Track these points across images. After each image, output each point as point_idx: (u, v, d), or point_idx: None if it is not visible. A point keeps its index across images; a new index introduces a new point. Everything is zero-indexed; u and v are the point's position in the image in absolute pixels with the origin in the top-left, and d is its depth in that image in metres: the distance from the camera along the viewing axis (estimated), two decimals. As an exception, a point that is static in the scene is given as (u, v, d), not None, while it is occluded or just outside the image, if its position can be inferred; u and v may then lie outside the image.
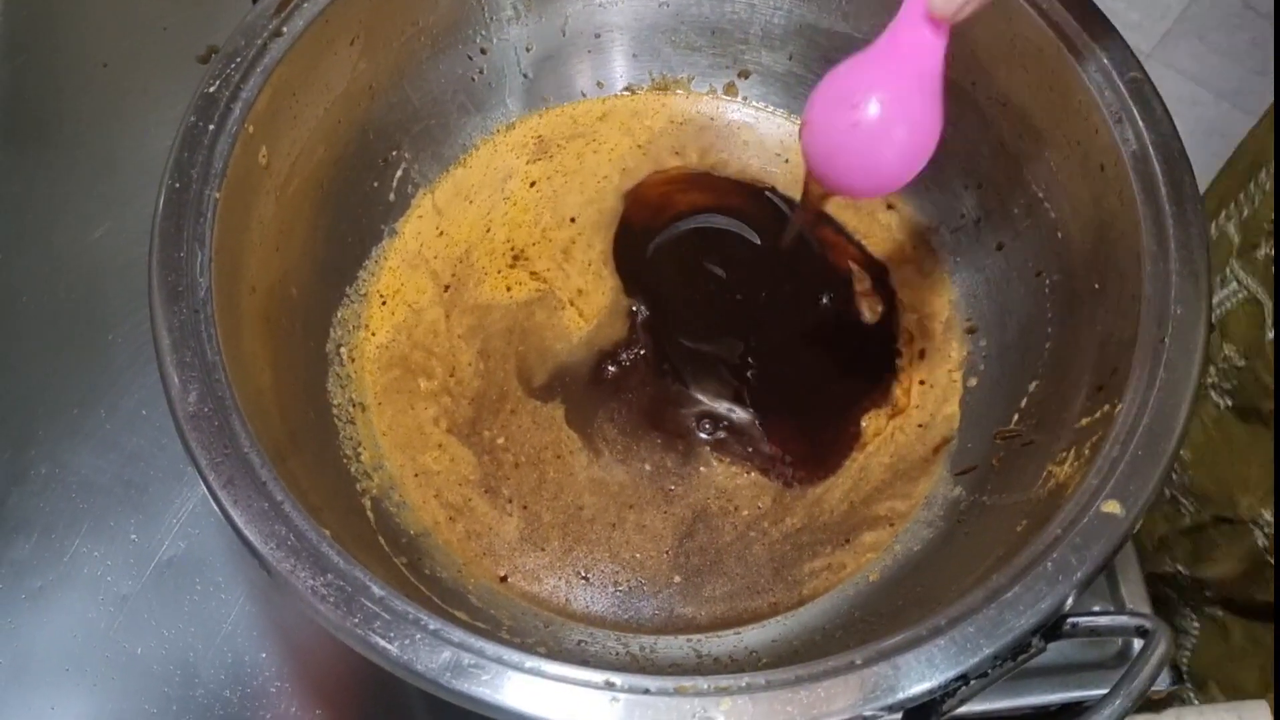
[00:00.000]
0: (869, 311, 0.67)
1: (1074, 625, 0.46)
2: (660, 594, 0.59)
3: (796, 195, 0.70)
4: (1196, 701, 0.77)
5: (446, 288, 0.66)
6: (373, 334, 0.64)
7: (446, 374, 0.64)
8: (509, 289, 0.67)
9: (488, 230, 0.68)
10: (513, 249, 0.68)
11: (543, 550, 0.60)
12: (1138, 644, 0.46)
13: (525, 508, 0.61)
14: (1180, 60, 1.59)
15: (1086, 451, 0.50)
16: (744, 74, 0.73)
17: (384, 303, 0.65)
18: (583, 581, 0.59)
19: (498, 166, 0.70)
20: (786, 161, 0.71)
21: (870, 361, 0.66)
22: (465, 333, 0.65)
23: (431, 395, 0.63)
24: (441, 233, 0.68)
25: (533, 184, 0.70)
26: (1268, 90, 1.55)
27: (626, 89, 0.73)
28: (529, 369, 0.64)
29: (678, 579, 0.60)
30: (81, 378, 0.65)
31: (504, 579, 0.59)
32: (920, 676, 0.42)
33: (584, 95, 0.73)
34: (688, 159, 0.71)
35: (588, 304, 0.66)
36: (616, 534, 0.60)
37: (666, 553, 0.60)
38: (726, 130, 0.73)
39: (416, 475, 0.61)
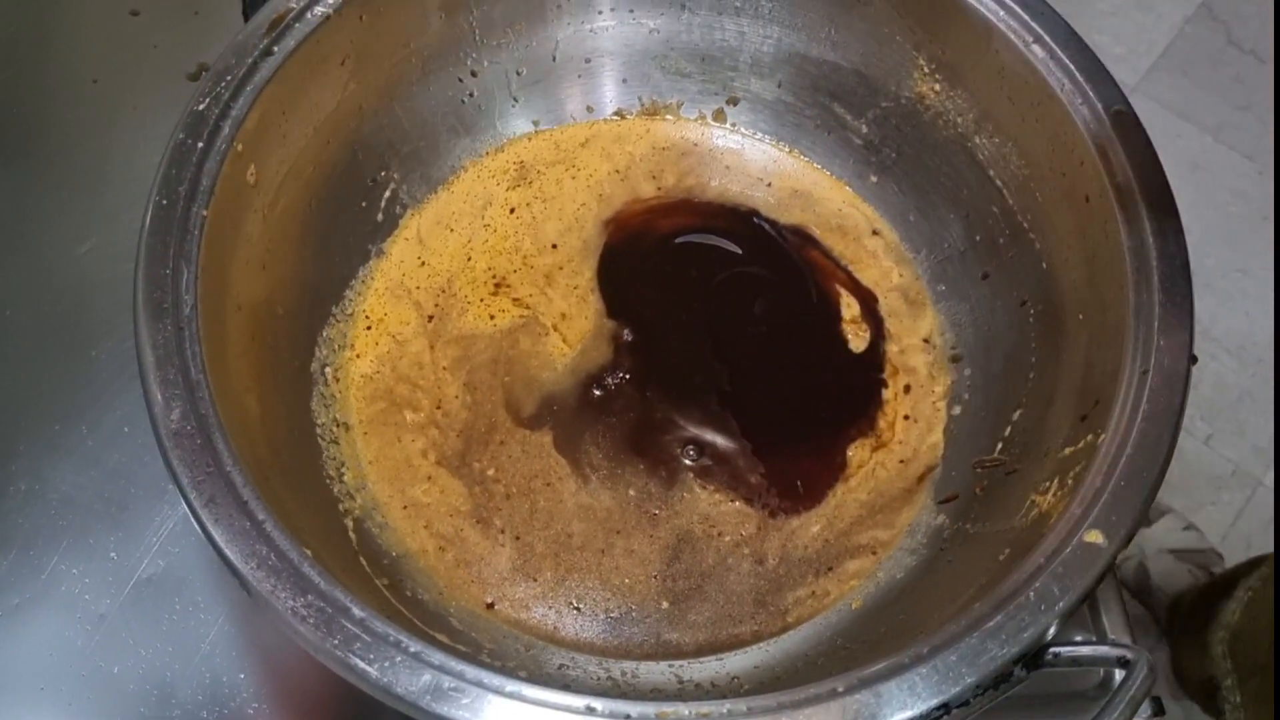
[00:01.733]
0: (856, 339, 0.67)
1: (1056, 655, 0.46)
2: (648, 619, 0.59)
3: (778, 218, 0.71)
4: None
5: (430, 318, 0.66)
6: (358, 355, 0.64)
7: (433, 406, 0.64)
8: (492, 317, 0.67)
9: (469, 259, 0.68)
10: (494, 277, 0.68)
11: (535, 580, 0.60)
12: (1119, 674, 0.46)
13: (518, 538, 0.61)
14: (1164, 94, 1.61)
15: (1070, 481, 0.50)
16: (733, 100, 0.73)
17: (369, 327, 0.65)
18: (574, 611, 0.59)
19: (478, 193, 0.70)
20: (769, 186, 0.72)
21: (856, 391, 0.66)
22: (450, 364, 0.65)
23: (419, 428, 0.63)
24: (424, 263, 0.68)
25: (512, 210, 0.70)
26: (1250, 125, 1.57)
27: (616, 113, 0.73)
28: (516, 400, 0.64)
29: (665, 604, 0.59)
30: (64, 393, 0.65)
31: (490, 605, 0.59)
32: (902, 705, 0.42)
33: (574, 119, 0.73)
34: (664, 182, 0.72)
35: (571, 329, 0.66)
36: (606, 560, 0.60)
37: (654, 577, 0.60)
38: (709, 155, 0.73)
39: (405, 507, 0.61)
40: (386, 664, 0.42)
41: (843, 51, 0.69)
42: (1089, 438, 0.51)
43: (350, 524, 0.58)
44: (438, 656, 0.43)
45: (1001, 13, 0.59)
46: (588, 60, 0.72)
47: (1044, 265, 0.61)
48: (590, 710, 0.42)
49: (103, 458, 0.63)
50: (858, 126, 0.70)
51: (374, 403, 0.63)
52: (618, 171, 0.72)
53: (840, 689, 0.43)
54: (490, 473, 0.62)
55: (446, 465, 0.62)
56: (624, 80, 0.73)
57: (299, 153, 0.60)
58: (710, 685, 0.56)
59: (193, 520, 0.45)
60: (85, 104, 0.75)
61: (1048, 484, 0.52)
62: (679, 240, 0.70)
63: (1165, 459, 0.48)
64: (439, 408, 0.63)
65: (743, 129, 0.73)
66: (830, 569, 0.61)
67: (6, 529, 0.61)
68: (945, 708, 0.43)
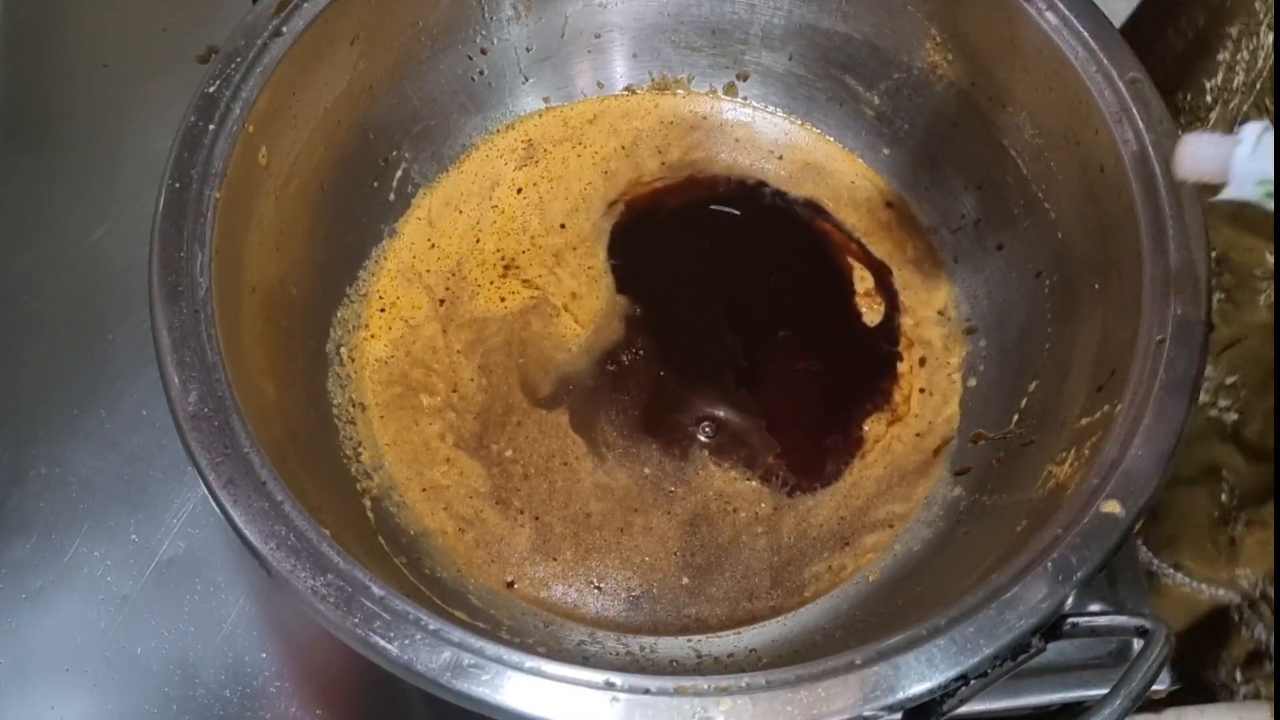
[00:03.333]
0: (870, 313, 0.67)
1: (1074, 625, 0.46)
2: (668, 596, 0.59)
3: (788, 190, 0.70)
4: None
5: (441, 302, 0.66)
6: (372, 335, 0.64)
7: (449, 390, 0.64)
8: (502, 299, 0.67)
9: (477, 241, 0.68)
10: (503, 259, 0.68)
11: (555, 560, 0.60)
12: (1138, 644, 0.46)
13: (537, 518, 0.61)
14: (1180, 61, 1.59)
15: (1086, 451, 0.50)
16: (743, 75, 0.73)
17: (383, 309, 0.65)
18: (596, 590, 0.59)
19: (486, 174, 0.70)
20: (780, 159, 0.71)
21: (872, 365, 0.66)
22: (464, 348, 0.65)
23: (435, 411, 0.63)
24: (433, 245, 0.68)
25: (519, 190, 0.70)
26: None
27: (627, 89, 0.73)
28: (532, 381, 0.64)
29: (686, 580, 0.60)
30: (82, 378, 0.65)
31: (510, 585, 0.59)
32: (920, 676, 0.42)
33: (584, 95, 0.73)
34: (669, 157, 0.71)
35: (582, 309, 0.66)
36: (625, 539, 0.60)
37: (674, 554, 0.60)
38: (718, 129, 0.73)
39: (424, 489, 0.61)
40: (406, 641, 0.42)
41: (854, 23, 0.68)
42: (1105, 408, 0.51)
43: (368, 503, 0.58)
44: (457, 634, 0.43)
45: (1014, -20, 0.59)
46: (597, 36, 0.72)
47: (1058, 235, 0.61)
48: (610, 685, 0.42)
49: (122, 441, 0.63)
50: (870, 98, 0.70)
51: (389, 387, 0.63)
52: (623, 148, 0.71)
53: (858, 661, 0.43)
54: (508, 454, 0.62)
55: (464, 447, 0.62)
56: (634, 55, 0.73)
57: (310, 133, 0.60)
58: (729, 659, 0.56)
59: (212, 502, 0.46)
60: (96, 89, 0.75)
61: (1064, 454, 0.52)
62: (689, 216, 0.70)
63: (1182, 428, 0.48)
64: (455, 391, 0.64)
65: (754, 102, 0.73)
66: (847, 543, 0.61)
67: (28, 513, 0.61)
68: (963, 679, 0.43)
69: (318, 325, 0.62)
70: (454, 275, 0.67)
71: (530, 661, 0.42)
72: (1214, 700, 0.67)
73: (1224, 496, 0.67)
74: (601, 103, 0.73)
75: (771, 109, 0.73)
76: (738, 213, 0.70)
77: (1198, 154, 0.44)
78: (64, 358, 0.66)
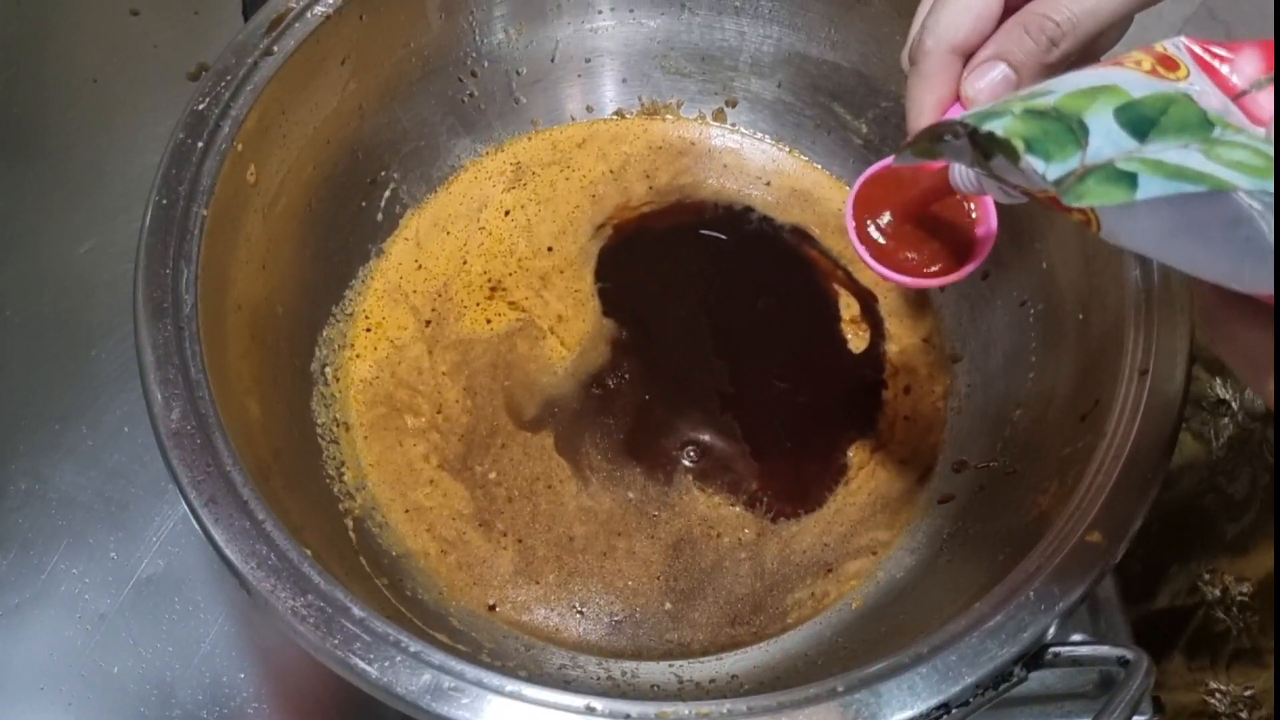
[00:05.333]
0: (856, 339, 0.67)
1: (1056, 655, 0.46)
2: (651, 620, 0.59)
3: (775, 216, 0.71)
4: None
5: (427, 323, 0.66)
6: (357, 355, 0.64)
7: (434, 411, 0.63)
8: (488, 321, 0.66)
9: (464, 262, 0.68)
10: (490, 280, 0.68)
11: (537, 584, 0.60)
12: (1120, 674, 0.47)
13: (520, 541, 0.60)
14: (1165, 94, 1.60)
15: (1069, 481, 0.50)
16: (732, 101, 0.73)
17: (369, 329, 0.65)
18: (578, 615, 0.59)
19: (474, 195, 0.70)
20: (768, 185, 0.72)
21: (857, 392, 0.66)
22: (449, 369, 0.65)
23: (420, 432, 0.63)
24: (420, 266, 0.68)
25: (507, 213, 0.70)
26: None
27: (616, 113, 0.73)
28: (517, 404, 0.64)
29: (668, 605, 0.59)
30: (64, 393, 0.65)
31: (492, 608, 0.59)
32: (902, 704, 0.42)
33: (573, 119, 0.73)
34: (657, 182, 0.72)
35: (568, 332, 0.66)
36: (608, 563, 0.60)
37: (657, 578, 0.60)
38: (707, 155, 0.73)
39: (407, 510, 0.61)
40: (386, 664, 0.42)
41: (842, 51, 0.69)
42: (1089, 437, 0.51)
43: (350, 523, 0.58)
44: (438, 656, 0.43)
45: (1001, 13, 0.59)
46: (588, 60, 0.72)
47: (1044, 265, 0.61)
48: (590, 710, 0.42)
49: (103, 457, 0.63)
50: (857, 126, 0.70)
51: (374, 408, 0.63)
52: (611, 172, 0.72)
53: (840, 689, 0.43)
54: (492, 476, 0.62)
55: (448, 469, 0.62)
56: (624, 80, 0.73)
57: (299, 152, 0.60)
58: (710, 684, 0.56)
59: (193, 520, 0.45)
60: (85, 104, 0.75)
61: (1047, 484, 0.52)
62: (676, 240, 0.70)
63: (1165, 458, 0.48)
64: (439, 412, 0.63)
65: (742, 129, 0.73)
66: (830, 570, 0.61)
67: (7, 528, 0.61)
68: (945, 707, 0.43)
69: (303, 344, 0.62)
70: (440, 296, 0.67)
71: (511, 685, 0.42)
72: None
73: None
74: (590, 127, 0.73)
75: (760, 135, 0.73)
76: (724, 238, 0.70)
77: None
78: (47, 372, 0.65)
